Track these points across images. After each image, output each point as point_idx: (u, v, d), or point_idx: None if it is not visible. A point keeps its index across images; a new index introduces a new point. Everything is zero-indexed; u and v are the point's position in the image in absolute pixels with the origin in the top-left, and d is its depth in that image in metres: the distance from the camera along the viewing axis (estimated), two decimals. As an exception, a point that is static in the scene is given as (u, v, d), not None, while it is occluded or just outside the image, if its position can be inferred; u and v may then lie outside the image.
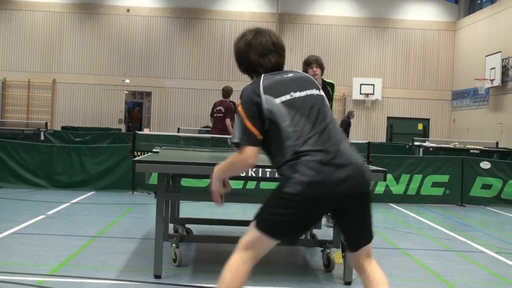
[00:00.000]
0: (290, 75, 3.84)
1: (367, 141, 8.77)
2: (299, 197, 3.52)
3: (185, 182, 11.97)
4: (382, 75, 30.81)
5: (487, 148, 19.14)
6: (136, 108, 33.35)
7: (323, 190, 3.52)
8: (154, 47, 30.46)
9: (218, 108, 14.35)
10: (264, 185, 12.71)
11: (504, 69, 24.70)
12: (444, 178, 13.50)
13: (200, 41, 30.52)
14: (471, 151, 17.65)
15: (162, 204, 6.09)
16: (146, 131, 27.58)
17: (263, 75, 3.81)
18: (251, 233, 3.72)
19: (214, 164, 5.86)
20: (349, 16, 30.70)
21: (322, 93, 3.86)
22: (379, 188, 13.29)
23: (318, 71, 8.61)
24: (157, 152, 7.56)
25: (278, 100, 3.65)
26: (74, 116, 30.25)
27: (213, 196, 3.94)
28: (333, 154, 3.56)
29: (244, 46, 3.89)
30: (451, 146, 18.99)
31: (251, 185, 12.81)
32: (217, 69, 30.46)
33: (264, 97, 3.65)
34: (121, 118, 30.55)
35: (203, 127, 29.10)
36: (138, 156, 7.16)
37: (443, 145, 19.58)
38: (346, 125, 23.29)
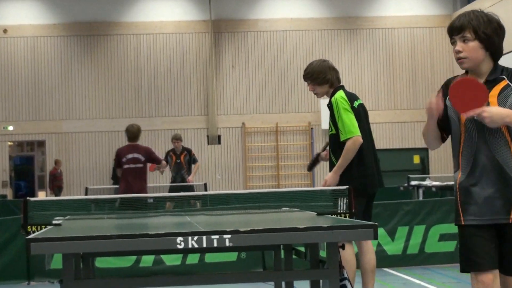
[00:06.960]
0: None
1: (346, 187, 8.65)
2: None
3: (100, 262, 11.85)
4: (359, 92, 30.87)
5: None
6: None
7: None
8: (45, 78, 30.34)
9: (130, 156, 14.68)
10: (210, 258, 12.65)
11: (522, 73, 25.08)
12: (455, 228, 13.51)
13: (108, 65, 30.51)
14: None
15: (72, 297, 6.03)
16: (41, 195, 27.32)
17: None
18: None
19: (138, 236, 5.83)
20: (308, 17, 31.00)
21: None
22: (369, 249, 13.33)
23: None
24: (59, 224, 7.49)
25: None
26: None
27: None
28: None
29: None
30: (460, 182, 19.06)
31: (192, 259, 12.74)
32: (134, 101, 30.43)
33: None
34: (5, 180, 30.25)
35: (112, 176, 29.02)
36: (33, 232, 7.08)
37: (449, 183, 19.68)
38: None
